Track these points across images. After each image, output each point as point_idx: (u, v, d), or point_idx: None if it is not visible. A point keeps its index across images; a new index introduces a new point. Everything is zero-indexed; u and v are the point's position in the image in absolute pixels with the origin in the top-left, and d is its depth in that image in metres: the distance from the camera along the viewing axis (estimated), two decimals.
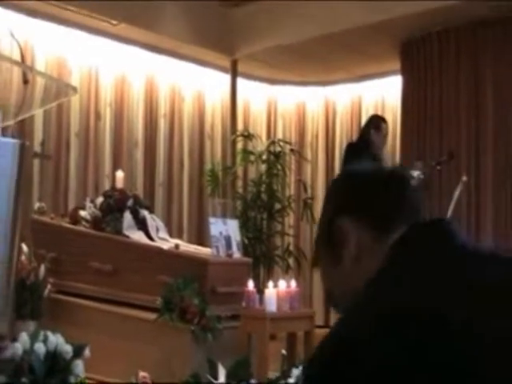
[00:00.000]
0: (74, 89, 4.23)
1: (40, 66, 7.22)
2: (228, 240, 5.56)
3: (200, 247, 5.93)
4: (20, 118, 4.37)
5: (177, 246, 5.39)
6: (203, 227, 8.23)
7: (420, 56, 7.66)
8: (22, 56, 4.22)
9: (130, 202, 5.76)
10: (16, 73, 4.15)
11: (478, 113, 7.16)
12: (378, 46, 7.95)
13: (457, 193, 5.63)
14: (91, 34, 7.58)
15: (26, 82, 3.80)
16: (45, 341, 3.47)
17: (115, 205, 5.75)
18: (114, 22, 7.43)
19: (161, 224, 5.88)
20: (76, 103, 7.54)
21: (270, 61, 8.60)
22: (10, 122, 4.27)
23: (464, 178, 5.76)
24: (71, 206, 7.10)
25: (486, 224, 6.94)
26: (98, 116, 7.84)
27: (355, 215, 1.28)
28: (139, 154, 8.21)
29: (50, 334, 3.51)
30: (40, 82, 4.40)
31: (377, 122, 6.43)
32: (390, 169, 1.42)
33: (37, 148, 7.12)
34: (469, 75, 7.25)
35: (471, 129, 7.18)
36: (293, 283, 5.18)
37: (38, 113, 6.65)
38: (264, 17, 8.04)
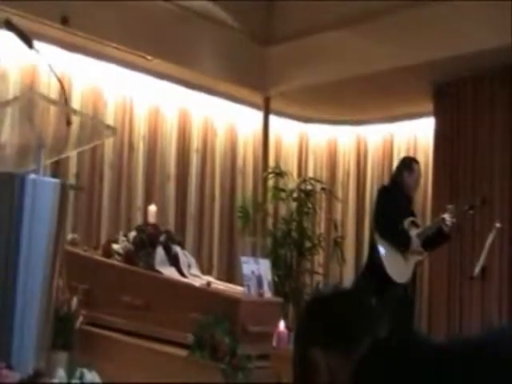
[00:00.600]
0: (113, 130, 4.30)
1: (76, 96, 7.36)
2: (259, 279, 5.58)
3: (231, 285, 5.96)
4: (58, 157, 4.43)
5: (208, 284, 5.43)
6: (233, 263, 8.26)
7: (453, 99, 7.65)
8: (65, 94, 4.30)
9: (162, 238, 5.81)
10: (53, 111, 4.19)
11: None
12: (410, 88, 7.97)
13: (489, 239, 5.58)
14: (127, 68, 7.72)
15: (68, 123, 3.88)
16: (81, 377, 3.52)
17: (148, 240, 5.80)
18: (149, 58, 7.57)
19: (192, 260, 5.92)
20: None
21: (303, 99, 8.66)
22: (50, 161, 4.34)
23: (498, 225, 5.70)
24: (103, 237, 7.16)
25: None
26: (131, 148, 7.92)
27: (323, 345, 1.37)
28: (171, 187, 8.27)
29: (85, 371, 3.55)
30: (77, 121, 4.46)
31: (410, 163, 6.43)
32: (345, 291, 1.61)
33: (71, 179, 7.20)
34: (503, 119, 7.22)
35: (506, 173, 7.11)
36: None
37: None
38: (297, 56, 8.12)
